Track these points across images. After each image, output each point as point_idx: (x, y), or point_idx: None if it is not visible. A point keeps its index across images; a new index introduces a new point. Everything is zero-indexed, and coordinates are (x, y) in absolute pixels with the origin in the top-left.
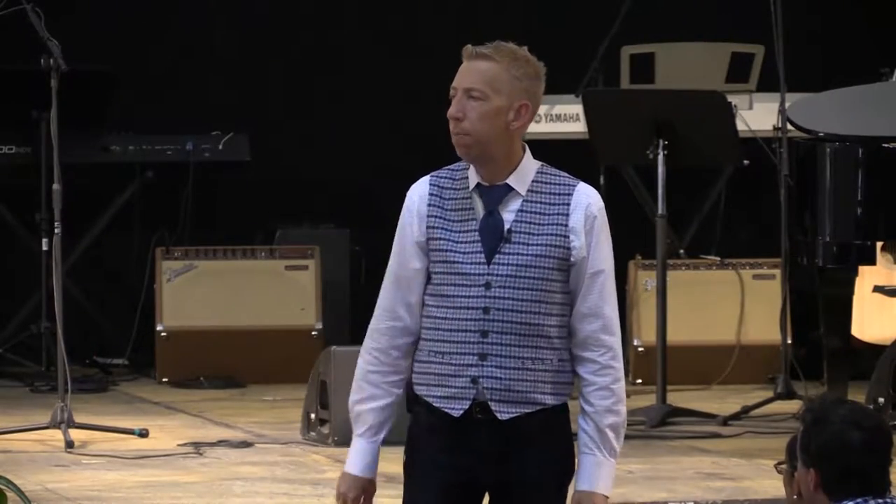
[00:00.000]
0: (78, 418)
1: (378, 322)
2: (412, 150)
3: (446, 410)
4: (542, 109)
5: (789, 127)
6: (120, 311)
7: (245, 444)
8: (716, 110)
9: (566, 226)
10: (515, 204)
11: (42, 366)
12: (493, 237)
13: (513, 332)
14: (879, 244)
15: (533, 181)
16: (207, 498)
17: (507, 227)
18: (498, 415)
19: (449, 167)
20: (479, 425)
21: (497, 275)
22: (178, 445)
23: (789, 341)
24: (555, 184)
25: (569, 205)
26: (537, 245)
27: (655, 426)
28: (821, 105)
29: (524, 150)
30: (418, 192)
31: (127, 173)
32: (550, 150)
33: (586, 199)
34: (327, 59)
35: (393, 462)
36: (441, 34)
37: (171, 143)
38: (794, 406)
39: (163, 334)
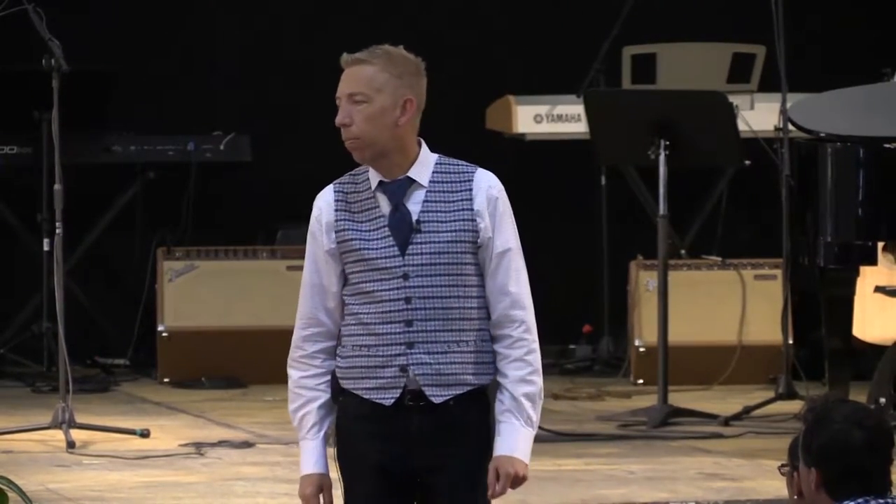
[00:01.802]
0: (79, 418)
1: (301, 331)
2: None
3: (377, 401)
4: (544, 110)
5: (790, 127)
6: (121, 312)
7: (246, 445)
8: (717, 111)
9: (471, 209)
10: (420, 195)
11: (43, 366)
12: (403, 229)
13: (435, 318)
14: (881, 244)
15: (433, 172)
16: (209, 498)
17: (415, 218)
18: (433, 399)
19: (350, 173)
20: (411, 412)
21: (413, 265)
22: (180, 446)
23: (791, 341)
24: (455, 172)
25: (471, 189)
26: (447, 231)
27: (657, 426)
28: (822, 105)
29: (420, 144)
30: (324, 201)
31: (128, 173)
32: (552, 151)
33: (486, 183)
34: (329, 60)
35: None
36: (442, 34)
37: (172, 143)
38: (795, 406)
39: (164, 334)
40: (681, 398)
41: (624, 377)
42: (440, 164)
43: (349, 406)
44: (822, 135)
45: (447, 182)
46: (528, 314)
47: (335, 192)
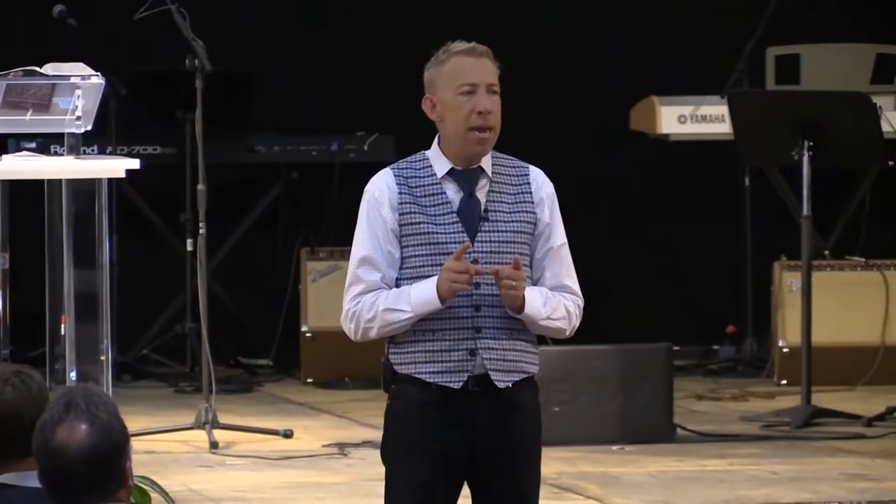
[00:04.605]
0: (222, 419)
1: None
2: (573, 149)
3: (444, 384)
4: (688, 110)
5: None
6: (264, 312)
7: None
8: (861, 111)
9: (532, 202)
10: (486, 185)
11: (186, 366)
12: (473, 217)
13: (501, 304)
14: None
15: (492, 164)
16: (352, 499)
17: (482, 207)
18: (498, 384)
19: (404, 160)
20: (477, 396)
21: (482, 251)
22: (323, 446)
23: None
24: (510, 165)
25: (529, 184)
26: (513, 222)
27: (800, 427)
28: None
29: None
30: (384, 184)
31: (272, 173)
32: (695, 151)
33: (542, 178)
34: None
35: None
36: (586, 36)
37: (316, 143)
38: None
39: (307, 335)
40: (824, 399)
41: (767, 378)
42: (495, 157)
43: (407, 393)
44: None
45: (506, 175)
46: (581, 303)
47: (394, 175)
